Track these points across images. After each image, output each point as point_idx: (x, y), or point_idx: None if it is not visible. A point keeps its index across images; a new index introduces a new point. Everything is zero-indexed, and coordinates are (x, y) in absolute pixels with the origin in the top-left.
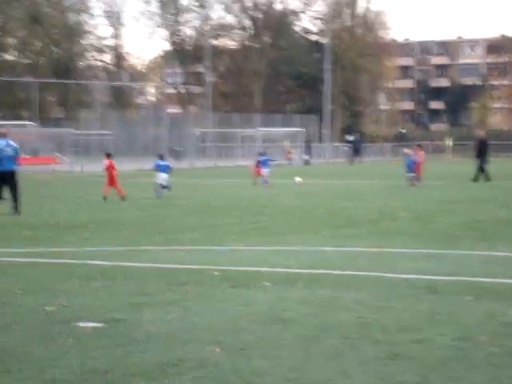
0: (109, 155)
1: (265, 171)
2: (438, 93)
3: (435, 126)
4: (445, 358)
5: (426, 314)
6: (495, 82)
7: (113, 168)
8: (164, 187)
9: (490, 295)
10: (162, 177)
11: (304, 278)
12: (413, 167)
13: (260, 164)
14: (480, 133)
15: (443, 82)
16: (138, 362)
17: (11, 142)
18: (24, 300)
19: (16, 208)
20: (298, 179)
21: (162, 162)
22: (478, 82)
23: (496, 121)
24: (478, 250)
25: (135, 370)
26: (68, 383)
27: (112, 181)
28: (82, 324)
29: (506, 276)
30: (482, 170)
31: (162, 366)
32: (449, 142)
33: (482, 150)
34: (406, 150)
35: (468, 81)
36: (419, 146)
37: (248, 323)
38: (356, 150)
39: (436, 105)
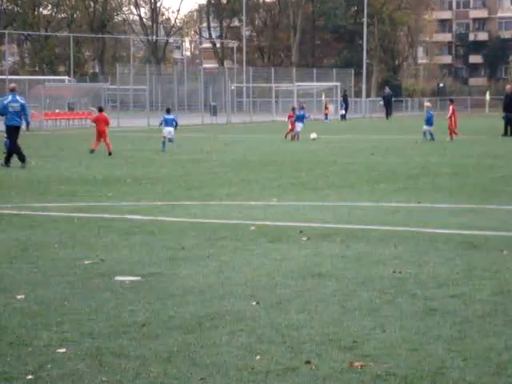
0: (100, 109)
1: (299, 125)
2: (476, 46)
3: (474, 81)
4: (482, 312)
5: (463, 269)
6: None
7: (104, 122)
8: (169, 140)
9: None
10: (167, 130)
11: (341, 233)
12: (432, 121)
13: (295, 117)
14: (508, 87)
15: (482, 36)
16: (175, 315)
17: (18, 98)
18: (62, 254)
19: (6, 160)
20: (313, 135)
21: (168, 116)
22: None
23: None
24: None
25: (172, 323)
26: (106, 336)
27: (100, 135)
28: (119, 278)
29: None
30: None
31: (199, 320)
32: (487, 97)
33: (509, 105)
34: (427, 104)
35: (507, 34)
36: (451, 100)
37: (284, 278)
38: (387, 105)
39: (475, 59)
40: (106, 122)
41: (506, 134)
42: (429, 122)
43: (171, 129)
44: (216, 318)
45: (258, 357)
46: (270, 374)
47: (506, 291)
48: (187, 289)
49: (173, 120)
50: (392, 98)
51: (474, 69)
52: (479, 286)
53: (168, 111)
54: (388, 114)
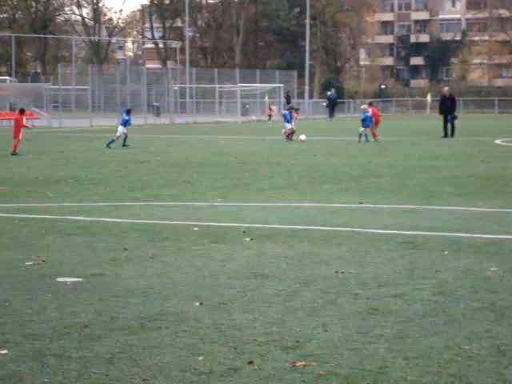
0: (22, 111)
1: (286, 125)
2: (418, 48)
3: (415, 82)
4: (423, 312)
5: (405, 268)
6: (475, 38)
7: (21, 124)
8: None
9: (469, 250)
10: (119, 128)
11: (284, 233)
12: (367, 123)
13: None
14: (445, 89)
15: (423, 38)
16: (118, 316)
17: None
18: (3, 255)
19: None
20: (302, 137)
21: (126, 117)
22: (458, 38)
23: (475, 77)
24: (458, 206)
25: (114, 324)
26: (47, 337)
27: (16, 134)
28: (61, 279)
29: (484, 231)
30: (451, 125)
31: (142, 321)
32: (428, 98)
33: (445, 107)
34: (364, 106)
35: (448, 36)
36: (371, 103)
37: (227, 278)
38: (331, 106)
39: (416, 60)
40: (21, 124)
41: (445, 135)
42: (364, 123)
43: (122, 128)
44: (159, 318)
45: (200, 357)
46: (212, 375)
47: (447, 291)
48: (130, 290)
49: (126, 121)
50: (337, 100)
51: (415, 70)
52: (420, 285)
53: (128, 112)
54: (331, 115)
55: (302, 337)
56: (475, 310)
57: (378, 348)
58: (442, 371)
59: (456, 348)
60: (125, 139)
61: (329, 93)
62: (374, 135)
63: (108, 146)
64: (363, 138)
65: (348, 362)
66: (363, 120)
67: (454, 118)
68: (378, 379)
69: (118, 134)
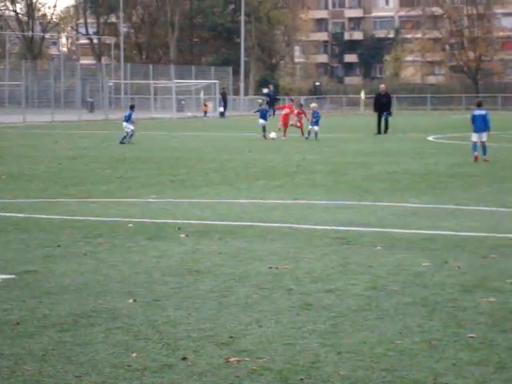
0: None
1: (262, 121)
2: (352, 46)
3: (349, 79)
4: (356, 307)
5: (338, 264)
6: (408, 35)
7: None
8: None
9: (402, 245)
10: (124, 124)
11: (219, 229)
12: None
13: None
14: (381, 87)
15: (357, 35)
16: (51, 313)
17: None
18: None
19: None
20: (272, 134)
21: (128, 112)
22: (391, 35)
23: (408, 74)
24: (391, 202)
25: (47, 321)
26: None
27: None
28: None
29: (417, 227)
30: (385, 122)
31: (75, 318)
32: (362, 96)
33: (380, 104)
34: (314, 104)
35: (381, 34)
36: (291, 100)
37: (162, 275)
38: (271, 103)
39: (350, 58)
40: None
41: (379, 132)
42: (317, 122)
43: (125, 123)
44: (92, 315)
45: (134, 354)
46: (146, 371)
47: (380, 286)
48: (63, 287)
49: (127, 116)
50: (275, 97)
51: (349, 68)
52: (353, 280)
53: (131, 108)
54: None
55: (235, 332)
56: (407, 305)
57: (311, 343)
58: (374, 366)
59: (388, 342)
60: (124, 137)
61: (266, 90)
62: (285, 132)
63: (122, 142)
64: (313, 135)
65: (281, 357)
66: (317, 120)
67: (389, 114)
68: (310, 374)
69: (128, 130)
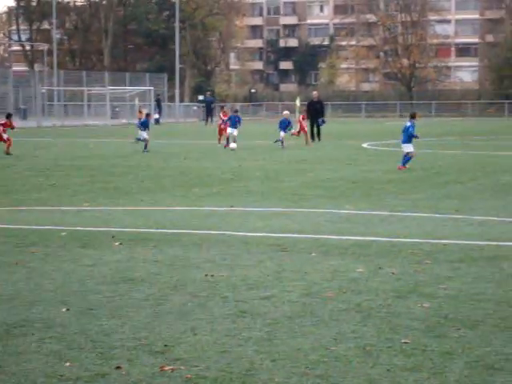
0: None
1: (231, 130)
2: (287, 53)
3: (285, 87)
4: (291, 313)
5: (274, 271)
6: (342, 43)
7: None
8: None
9: (337, 252)
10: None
11: (154, 237)
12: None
13: (227, 122)
14: (314, 94)
15: (292, 42)
16: None
17: None
18: None
19: None
20: (232, 145)
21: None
22: (326, 43)
23: (343, 81)
24: (326, 208)
25: None
26: None
27: None
28: None
29: (351, 233)
30: (317, 129)
31: (7, 328)
32: (297, 103)
33: (314, 111)
34: (286, 112)
35: (316, 41)
36: (222, 107)
37: (96, 283)
38: (208, 110)
39: (285, 65)
40: None
41: (312, 139)
42: (288, 128)
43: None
44: (25, 325)
45: (67, 363)
46: (79, 381)
47: (314, 292)
48: None
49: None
50: (213, 104)
51: (284, 75)
52: (289, 287)
53: (147, 115)
54: (208, 119)
55: (170, 341)
56: (342, 311)
57: (247, 350)
58: (308, 372)
59: (323, 349)
60: (145, 144)
61: (201, 97)
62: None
63: (144, 152)
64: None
65: (216, 365)
66: (290, 127)
67: (323, 122)
68: (245, 381)
69: (144, 137)
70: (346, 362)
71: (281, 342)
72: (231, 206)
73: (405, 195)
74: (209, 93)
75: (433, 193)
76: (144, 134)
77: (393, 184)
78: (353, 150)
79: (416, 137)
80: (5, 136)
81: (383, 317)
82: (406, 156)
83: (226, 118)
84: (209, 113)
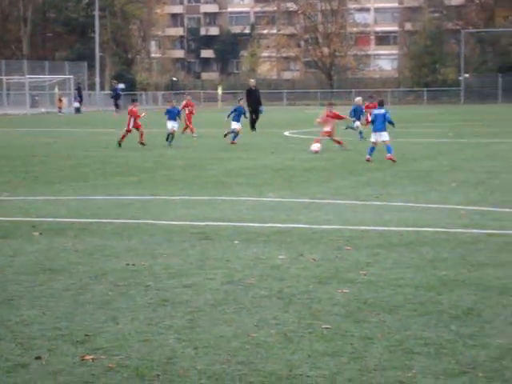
0: None
1: (234, 124)
2: (208, 41)
3: (206, 75)
4: (213, 301)
5: (196, 259)
6: (263, 31)
7: None
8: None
9: (259, 239)
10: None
11: (74, 227)
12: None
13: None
14: (251, 82)
15: (213, 31)
16: None
17: None
18: None
19: None
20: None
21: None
22: (247, 31)
23: (265, 69)
24: (248, 196)
25: None
26: None
27: None
28: None
29: (274, 221)
30: (255, 118)
31: None
32: (219, 91)
33: (252, 100)
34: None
35: (237, 29)
36: (133, 100)
37: (15, 273)
38: (115, 98)
39: (206, 53)
40: None
41: (252, 127)
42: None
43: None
44: None
45: None
46: None
47: (237, 280)
48: None
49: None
50: (121, 92)
51: (206, 63)
52: (211, 275)
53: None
54: (117, 107)
55: (91, 330)
56: (263, 298)
57: (168, 339)
58: (230, 359)
59: (244, 336)
60: (171, 136)
61: (121, 85)
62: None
63: (169, 142)
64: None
65: (137, 354)
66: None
67: (261, 111)
68: (166, 369)
69: (174, 129)
70: (268, 348)
71: (203, 330)
72: (153, 195)
73: (326, 183)
74: (115, 81)
75: (353, 180)
76: (176, 125)
77: (314, 172)
78: (275, 138)
79: (393, 124)
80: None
81: (304, 303)
82: (388, 145)
83: (188, 108)
84: (116, 101)
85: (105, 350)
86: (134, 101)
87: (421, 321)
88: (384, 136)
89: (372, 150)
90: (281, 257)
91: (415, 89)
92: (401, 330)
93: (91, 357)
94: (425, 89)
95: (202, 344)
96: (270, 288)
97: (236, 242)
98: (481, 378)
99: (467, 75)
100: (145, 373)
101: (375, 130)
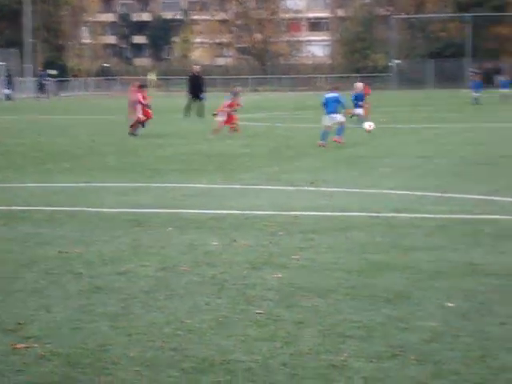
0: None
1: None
2: (140, 27)
3: (139, 61)
4: (147, 288)
5: (129, 246)
6: (196, 17)
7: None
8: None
9: (193, 226)
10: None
11: (4, 215)
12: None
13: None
14: (195, 68)
15: (145, 16)
16: None
17: None
18: None
19: None
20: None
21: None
22: (180, 17)
23: (198, 55)
24: (182, 183)
25: None
26: None
27: None
28: None
29: (207, 207)
30: (201, 105)
31: None
32: (152, 77)
33: (195, 86)
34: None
35: (169, 15)
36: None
37: None
38: (41, 84)
39: (139, 39)
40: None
41: (188, 114)
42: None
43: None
44: None
45: None
46: None
47: (170, 267)
48: None
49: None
50: (50, 78)
51: (138, 49)
52: (144, 262)
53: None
54: (44, 93)
55: (23, 319)
56: (197, 284)
57: (101, 326)
58: (163, 346)
59: (178, 322)
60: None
61: (52, 71)
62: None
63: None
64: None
65: (69, 342)
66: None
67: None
68: (100, 357)
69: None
70: (201, 334)
71: (136, 317)
72: (86, 182)
73: (259, 169)
74: (40, 68)
75: (286, 166)
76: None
77: (247, 158)
78: (209, 124)
79: (343, 106)
80: None
81: (237, 288)
82: (341, 127)
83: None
84: (41, 88)
85: (37, 338)
86: (142, 87)
87: (353, 304)
88: (339, 117)
89: (325, 134)
90: (214, 243)
91: (347, 75)
92: (333, 313)
93: (23, 345)
94: (358, 75)
95: (135, 331)
96: (203, 274)
97: (169, 228)
98: (412, 361)
99: (399, 61)
100: (77, 360)
101: (328, 113)
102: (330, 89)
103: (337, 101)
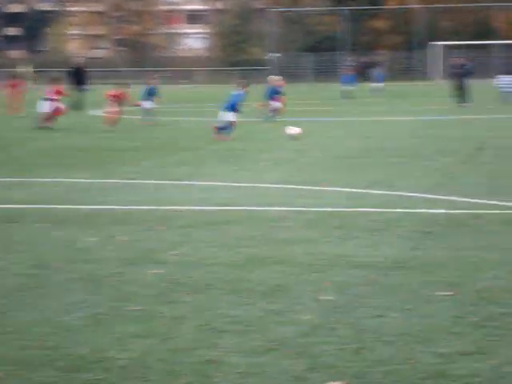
0: None
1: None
2: (14, 18)
3: (13, 53)
4: (21, 286)
5: (1, 243)
6: (72, 8)
7: None
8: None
9: (70, 221)
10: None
11: None
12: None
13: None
14: (78, 60)
15: (19, 8)
16: None
17: None
18: None
19: None
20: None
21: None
22: (55, 8)
23: (73, 47)
24: (58, 178)
25: None
26: None
27: None
28: None
29: (85, 202)
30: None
31: None
32: (28, 69)
33: (79, 78)
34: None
35: (44, 6)
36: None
37: None
38: None
39: (13, 31)
40: None
41: (79, 108)
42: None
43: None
44: None
45: None
46: None
47: (44, 263)
48: None
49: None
50: None
51: (12, 40)
52: (17, 259)
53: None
54: None
55: None
56: (72, 281)
57: None
58: (39, 345)
59: (53, 320)
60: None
61: None
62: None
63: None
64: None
65: None
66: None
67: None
68: None
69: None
70: (77, 332)
71: (10, 316)
72: None
73: (138, 163)
74: None
75: (166, 160)
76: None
77: (126, 152)
78: (84, 117)
79: (236, 109)
80: None
81: (115, 285)
82: (229, 125)
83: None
84: None
85: None
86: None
87: (230, 299)
88: (231, 116)
89: (227, 128)
90: (91, 239)
91: (225, 68)
92: (211, 308)
93: None
94: (235, 68)
95: (9, 330)
96: (79, 271)
97: (44, 224)
98: (289, 354)
99: (279, 54)
100: None
101: (227, 109)
102: (239, 86)
103: (237, 99)
